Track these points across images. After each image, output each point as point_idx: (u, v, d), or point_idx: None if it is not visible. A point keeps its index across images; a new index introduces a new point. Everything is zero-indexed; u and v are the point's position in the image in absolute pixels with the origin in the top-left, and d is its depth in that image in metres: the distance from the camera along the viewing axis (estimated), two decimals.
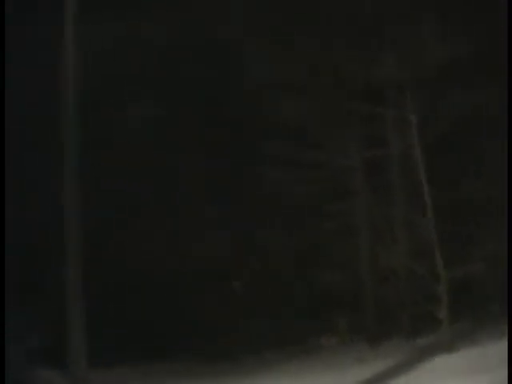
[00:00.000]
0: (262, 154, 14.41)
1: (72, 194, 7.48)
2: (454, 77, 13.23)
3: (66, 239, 7.33)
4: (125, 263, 15.51)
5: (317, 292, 15.71)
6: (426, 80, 13.15)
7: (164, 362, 15.00)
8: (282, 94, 14.22)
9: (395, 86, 13.59)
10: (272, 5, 14.50)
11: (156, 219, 15.65)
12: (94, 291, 9.29)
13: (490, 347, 11.04)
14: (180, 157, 15.63)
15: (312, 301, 16.06)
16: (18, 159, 14.19)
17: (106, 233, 15.11)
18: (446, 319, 12.35)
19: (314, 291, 15.76)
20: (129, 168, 15.13)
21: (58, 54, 7.95)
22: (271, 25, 14.70)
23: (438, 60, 13.28)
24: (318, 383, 11.65)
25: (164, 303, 15.68)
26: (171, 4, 15.01)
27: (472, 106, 13.25)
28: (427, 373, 10.43)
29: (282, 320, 15.91)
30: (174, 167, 15.56)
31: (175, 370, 14.49)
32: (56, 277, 9.70)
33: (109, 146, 15.09)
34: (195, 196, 15.78)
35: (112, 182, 14.99)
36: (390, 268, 14.50)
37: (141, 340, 15.29)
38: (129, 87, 15.29)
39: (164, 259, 15.56)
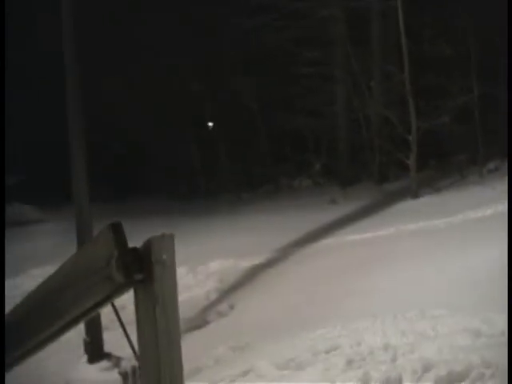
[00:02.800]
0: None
1: None
2: None
3: None
4: None
5: (292, 136, 16.46)
6: None
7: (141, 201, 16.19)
8: None
9: None
10: None
11: None
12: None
13: (450, 196, 11.97)
14: None
15: (287, 144, 16.87)
16: None
17: None
18: (413, 167, 13.06)
19: (290, 135, 16.50)
20: None
21: None
22: None
23: None
24: (291, 217, 12.34)
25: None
26: None
27: None
28: (392, 215, 11.35)
29: (256, 164, 16.81)
30: None
31: (158, 207, 15.56)
32: None
33: None
34: None
35: None
36: (365, 115, 15.23)
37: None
38: None
39: None
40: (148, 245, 1.84)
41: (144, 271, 1.84)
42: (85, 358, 6.90)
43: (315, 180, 16.00)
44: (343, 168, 15.69)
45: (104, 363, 6.77)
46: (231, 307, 7.92)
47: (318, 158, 16.11)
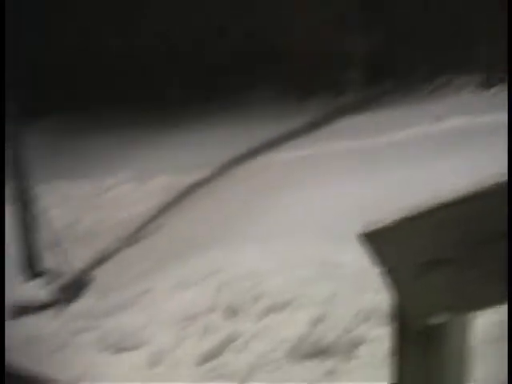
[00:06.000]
0: None
1: None
2: None
3: None
4: None
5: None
6: None
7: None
8: None
9: None
10: None
11: None
12: None
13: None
14: None
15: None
16: None
17: None
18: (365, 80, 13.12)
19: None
20: None
21: None
22: None
23: None
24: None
25: None
26: None
27: None
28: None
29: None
30: None
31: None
32: None
33: None
34: None
35: None
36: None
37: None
38: None
39: None
40: None
41: None
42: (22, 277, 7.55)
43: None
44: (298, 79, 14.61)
45: (39, 280, 7.45)
46: (167, 224, 8.49)
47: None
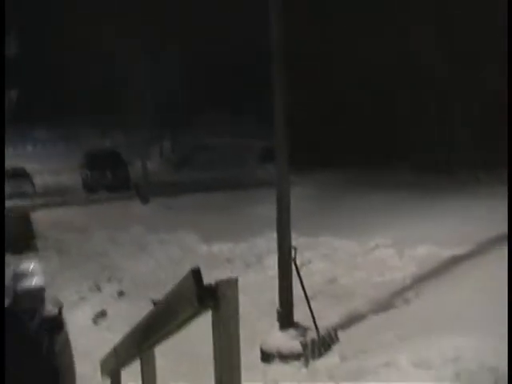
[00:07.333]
0: None
1: None
2: None
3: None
4: None
5: None
6: None
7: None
8: None
9: None
10: None
11: None
12: None
13: None
14: None
15: None
16: None
17: None
18: None
19: None
20: None
21: None
22: None
23: None
24: None
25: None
26: None
27: None
28: None
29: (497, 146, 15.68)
30: None
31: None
32: None
33: None
34: None
35: None
36: None
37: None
38: None
39: None
40: (217, 284, 2.68)
41: (214, 301, 2.67)
42: (277, 325, 7.97)
43: None
44: None
45: (292, 331, 7.79)
46: (417, 295, 8.50)
47: None
